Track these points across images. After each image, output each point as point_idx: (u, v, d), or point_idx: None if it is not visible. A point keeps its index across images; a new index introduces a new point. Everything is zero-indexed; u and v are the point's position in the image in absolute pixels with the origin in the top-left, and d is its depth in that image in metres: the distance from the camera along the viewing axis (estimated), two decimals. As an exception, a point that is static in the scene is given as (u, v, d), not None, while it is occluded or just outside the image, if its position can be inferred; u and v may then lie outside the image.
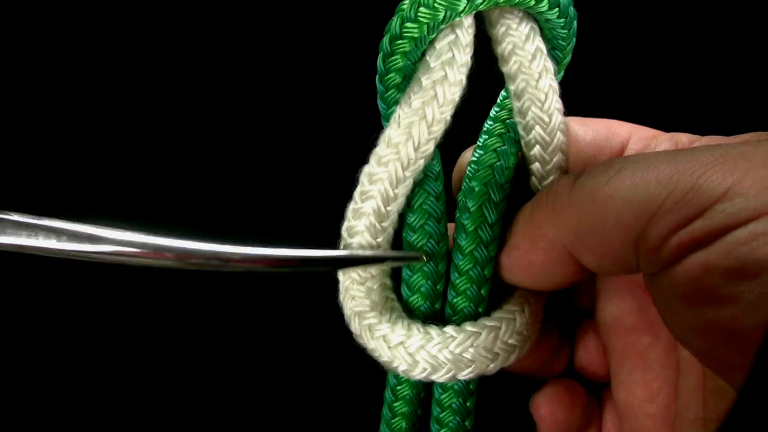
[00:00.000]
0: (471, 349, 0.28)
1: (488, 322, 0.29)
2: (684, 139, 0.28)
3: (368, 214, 0.28)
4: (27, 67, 0.45)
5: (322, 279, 0.31)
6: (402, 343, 0.29)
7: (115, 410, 0.44)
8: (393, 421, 0.32)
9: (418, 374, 0.29)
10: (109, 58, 0.45)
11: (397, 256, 0.28)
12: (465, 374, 0.29)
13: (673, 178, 0.22)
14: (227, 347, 0.48)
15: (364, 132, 0.28)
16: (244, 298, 0.46)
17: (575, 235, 0.25)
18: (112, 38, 0.45)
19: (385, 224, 0.28)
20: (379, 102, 0.28)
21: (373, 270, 0.29)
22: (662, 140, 0.29)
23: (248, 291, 0.45)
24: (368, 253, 0.28)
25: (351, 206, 0.28)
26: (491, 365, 0.29)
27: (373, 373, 0.32)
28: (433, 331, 0.29)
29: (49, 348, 0.44)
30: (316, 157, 0.45)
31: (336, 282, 0.30)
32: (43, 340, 0.44)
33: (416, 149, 0.27)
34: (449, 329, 0.29)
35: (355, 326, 0.30)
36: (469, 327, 0.29)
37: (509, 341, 0.29)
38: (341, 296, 0.30)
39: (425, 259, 0.29)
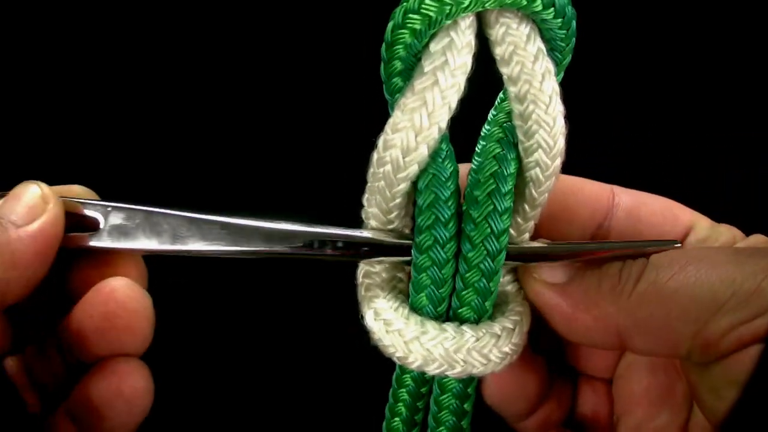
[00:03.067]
0: (464, 350, 0.29)
1: (491, 329, 0.29)
2: (738, 233, 0.31)
3: (375, 204, 0.29)
4: (27, 67, 0.46)
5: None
6: (399, 330, 0.29)
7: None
8: (392, 421, 0.33)
9: (411, 363, 0.29)
10: (109, 59, 0.46)
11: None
12: (455, 372, 0.29)
13: (737, 279, 0.24)
14: (235, 343, 0.48)
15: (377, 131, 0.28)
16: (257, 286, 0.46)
17: (633, 321, 0.27)
18: (112, 39, 0.46)
19: (391, 216, 0.29)
20: (390, 109, 0.28)
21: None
22: (722, 232, 0.31)
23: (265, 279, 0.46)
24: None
25: (365, 195, 0.30)
26: (482, 368, 0.29)
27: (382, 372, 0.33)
28: (430, 324, 0.29)
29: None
30: (326, 156, 0.47)
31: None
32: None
33: (405, 155, 0.27)
34: (448, 326, 0.29)
35: (360, 295, 0.31)
36: (468, 329, 0.29)
37: (504, 349, 0.29)
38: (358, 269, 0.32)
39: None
